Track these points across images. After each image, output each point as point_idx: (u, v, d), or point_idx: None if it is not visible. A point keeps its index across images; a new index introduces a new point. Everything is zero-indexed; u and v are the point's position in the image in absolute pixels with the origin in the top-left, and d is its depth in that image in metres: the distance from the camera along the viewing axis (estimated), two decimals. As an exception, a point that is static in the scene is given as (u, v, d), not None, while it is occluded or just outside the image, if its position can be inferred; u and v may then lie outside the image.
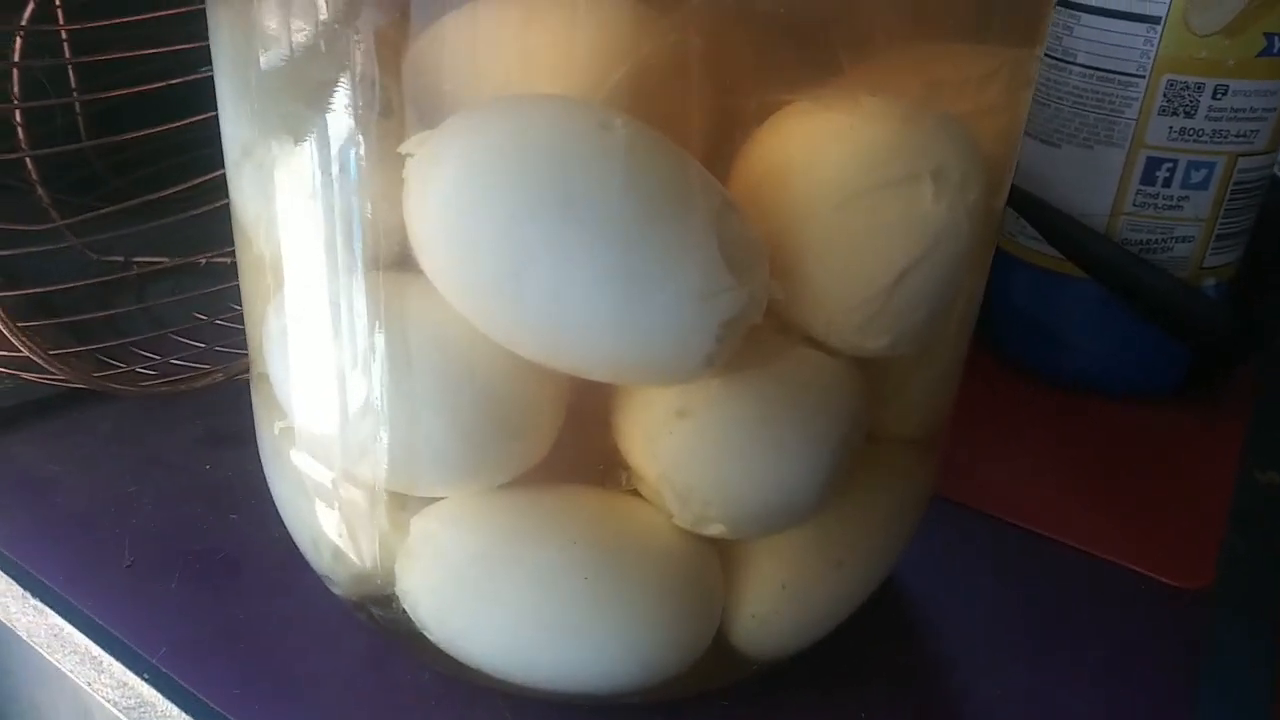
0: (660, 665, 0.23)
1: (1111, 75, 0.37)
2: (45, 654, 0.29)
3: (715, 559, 0.23)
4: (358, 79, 0.19)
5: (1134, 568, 0.32)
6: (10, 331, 0.29)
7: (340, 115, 0.19)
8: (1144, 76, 0.36)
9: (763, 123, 0.20)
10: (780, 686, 0.26)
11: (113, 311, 0.36)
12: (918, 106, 0.20)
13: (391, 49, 0.19)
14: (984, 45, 0.21)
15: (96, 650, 0.27)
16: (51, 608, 0.28)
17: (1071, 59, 0.37)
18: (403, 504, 0.22)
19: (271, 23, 0.19)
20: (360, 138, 0.19)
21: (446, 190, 0.18)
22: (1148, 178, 0.37)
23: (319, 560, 0.25)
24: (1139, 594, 0.31)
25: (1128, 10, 0.36)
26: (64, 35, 0.43)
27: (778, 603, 0.23)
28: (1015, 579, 0.32)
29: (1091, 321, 0.40)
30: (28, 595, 0.28)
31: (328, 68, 0.19)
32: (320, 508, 0.24)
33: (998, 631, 0.29)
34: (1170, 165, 0.37)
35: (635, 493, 0.22)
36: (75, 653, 0.28)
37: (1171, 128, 0.37)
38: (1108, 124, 0.37)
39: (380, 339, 0.21)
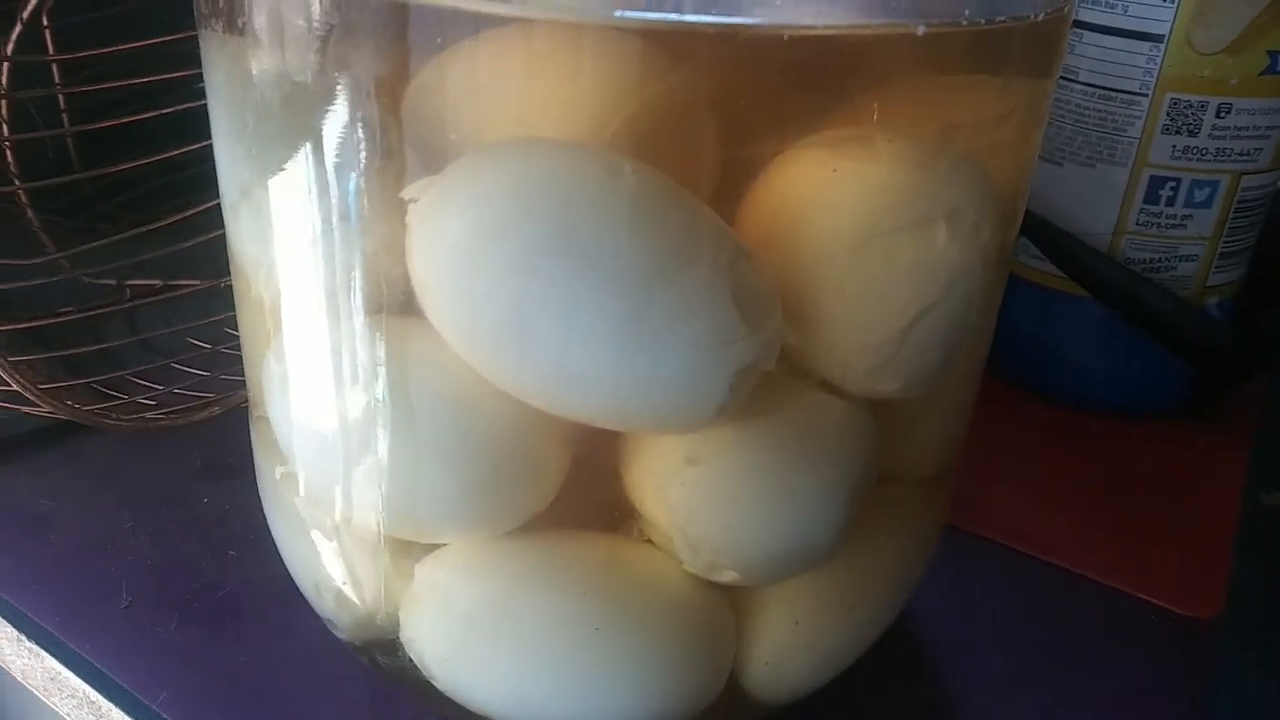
0: (670, 713, 0.22)
1: (1114, 94, 0.36)
2: (43, 698, 0.29)
3: (727, 605, 0.23)
4: (355, 124, 0.18)
5: (1144, 596, 0.32)
6: (2, 368, 0.28)
7: (338, 160, 0.19)
8: (1147, 95, 0.36)
9: (771, 166, 0.20)
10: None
11: (108, 345, 0.35)
12: (932, 148, 0.19)
13: (391, 92, 0.18)
14: (999, 79, 0.21)
15: (95, 695, 0.26)
16: (48, 651, 0.27)
17: (1074, 77, 0.37)
18: (407, 550, 0.22)
19: (267, 67, 0.19)
20: (360, 183, 0.19)
21: (450, 237, 0.18)
22: (1151, 196, 0.37)
23: (321, 604, 0.24)
24: (1149, 623, 0.31)
25: (1130, 29, 0.35)
26: (53, 62, 0.43)
27: (790, 649, 0.23)
28: (1022, 607, 0.31)
29: (1094, 341, 0.40)
30: (23, 638, 0.28)
31: (324, 113, 0.18)
32: (323, 552, 0.23)
33: (1005, 661, 0.29)
34: (1173, 184, 0.37)
35: (645, 539, 0.22)
36: (73, 697, 0.27)
37: (1175, 146, 0.36)
38: (1110, 142, 0.37)
39: (382, 386, 0.20)
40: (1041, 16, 0.19)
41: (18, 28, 0.40)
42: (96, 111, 0.40)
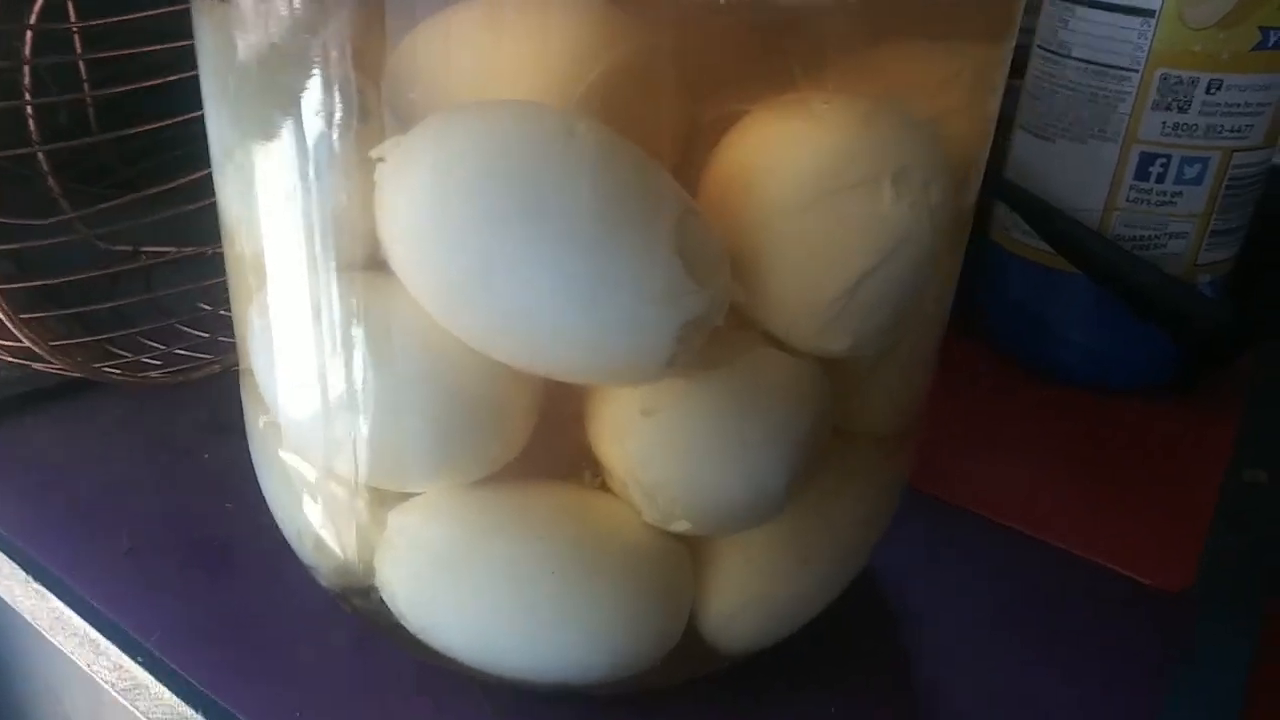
0: (629, 657, 0.23)
1: (1106, 69, 0.37)
2: (49, 636, 0.30)
3: (685, 555, 0.23)
4: (331, 86, 0.19)
5: (1115, 568, 0.32)
6: (13, 323, 0.30)
7: (314, 121, 0.20)
8: (1137, 70, 0.36)
9: (730, 129, 0.21)
10: (754, 679, 0.27)
11: (118, 303, 0.36)
12: (879, 110, 0.20)
13: (369, 55, 0.19)
14: (951, 43, 0.21)
15: (94, 634, 0.28)
16: (52, 592, 0.29)
17: (1066, 52, 0.37)
18: (381, 499, 0.23)
19: (247, 29, 0.20)
20: (335, 143, 0.20)
21: (415, 194, 0.19)
22: (1141, 173, 0.37)
23: (303, 551, 0.25)
24: (1119, 594, 0.31)
25: (1122, 3, 0.36)
26: (75, 29, 0.44)
27: (744, 600, 0.24)
28: (995, 577, 0.32)
29: (1084, 317, 0.40)
30: (30, 580, 0.29)
31: (300, 74, 0.19)
32: (303, 500, 0.24)
33: (974, 629, 0.30)
34: (1164, 160, 0.37)
35: (607, 489, 0.23)
36: (74, 635, 0.29)
37: (1165, 123, 0.36)
38: (1101, 118, 0.37)
39: (355, 339, 0.21)
40: (982, -15, 0.20)
41: (39, 2, 0.41)
42: (116, 81, 0.42)
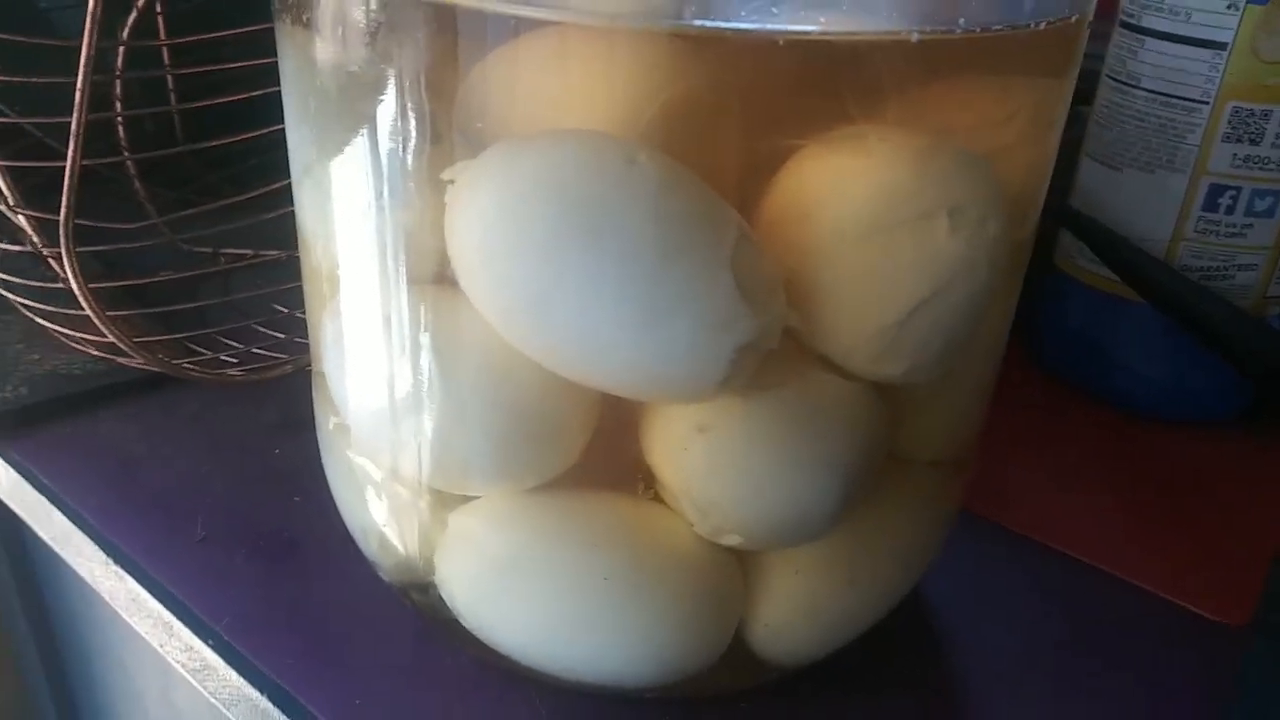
0: (677, 663, 0.24)
1: (1175, 100, 0.36)
2: (125, 616, 0.32)
3: (735, 567, 0.24)
4: (404, 110, 0.20)
5: (1173, 599, 0.32)
6: (100, 319, 0.31)
7: (388, 143, 0.21)
8: (1208, 103, 0.36)
9: (789, 160, 0.21)
10: (800, 692, 0.27)
11: (199, 304, 0.38)
12: (935, 146, 0.20)
13: (441, 82, 0.20)
14: (1010, 79, 0.22)
15: (168, 616, 0.29)
16: (130, 575, 0.30)
17: (1135, 83, 0.37)
18: (443, 500, 0.24)
19: (327, 54, 0.21)
20: (407, 165, 0.21)
21: (482, 216, 0.20)
22: (1210, 204, 0.37)
23: (367, 547, 0.27)
24: (1176, 626, 0.31)
25: (1193, 36, 0.35)
26: (164, 45, 0.46)
27: (790, 614, 0.24)
28: (1048, 603, 0.32)
29: (1149, 347, 0.40)
30: (110, 562, 0.31)
31: (376, 99, 0.20)
32: (368, 499, 0.26)
33: (1024, 655, 0.30)
34: (1233, 193, 0.37)
35: (660, 501, 0.24)
36: (149, 617, 0.30)
37: (1236, 155, 0.36)
38: (1170, 149, 0.37)
39: (422, 349, 0.22)
40: (1043, 25, 0.20)
41: (134, 14, 0.44)
42: (200, 94, 0.43)
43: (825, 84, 0.20)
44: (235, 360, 0.38)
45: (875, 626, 0.27)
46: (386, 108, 0.20)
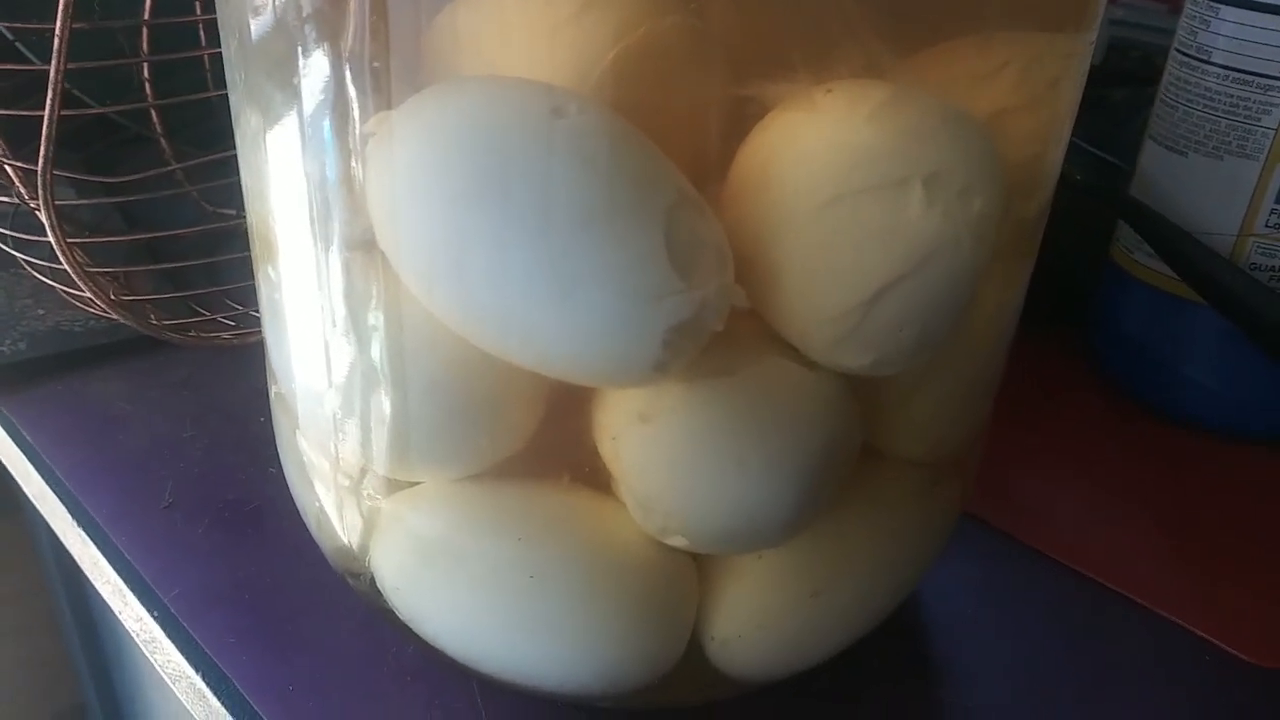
0: (618, 673, 0.22)
1: (1250, 77, 0.32)
2: (91, 579, 0.31)
3: (689, 571, 0.22)
4: (330, 60, 0.19)
5: (1206, 635, 0.28)
6: (77, 274, 0.31)
7: (312, 95, 0.19)
8: (1288, 81, 0.32)
9: (763, 119, 0.19)
10: (774, 711, 0.25)
11: (186, 264, 0.37)
12: (904, 98, 0.18)
13: (374, 28, 0.18)
14: (1013, 34, 0.19)
15: (122, 584, 0.28)
16: (92, 539, 0.30)
17: (1206, 57, 0.33)
18: (381, 484, 0.22)
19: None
20: (332, 119, 0.19)
21: (395, 171, 0.18)
22: (1285, 196, 0.33)
23: (307, 524, 0.25)
24: (1207, 665, 0.28)
25: (1275, 1, 0.31)
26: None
27: (744, 626, 0.22)
28: (1070, 633, 0.29)
29: (1209, 353, 0.36)
30: (75, 524, 0.30)
31: (299, 45, 0.19)
32: (307, 476, 0.24)
33: (1034, 692, 0.27)
34: (1313, 184, 0.33)
35: (615, 496, 0.21)
36: (108, 584, 0.29)
37: (1318, 141, 0.32)
38: (1242, 133, 0.33)
39: (353, 320, 0.20)
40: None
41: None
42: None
43: (806, 34, 0.17)
44: (232, 323, 0.37)
45: (862, 643, 0.24)
46: (305, 52, 0.18)
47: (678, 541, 0.21)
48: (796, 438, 0.19)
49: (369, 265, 0.20)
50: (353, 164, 0.19)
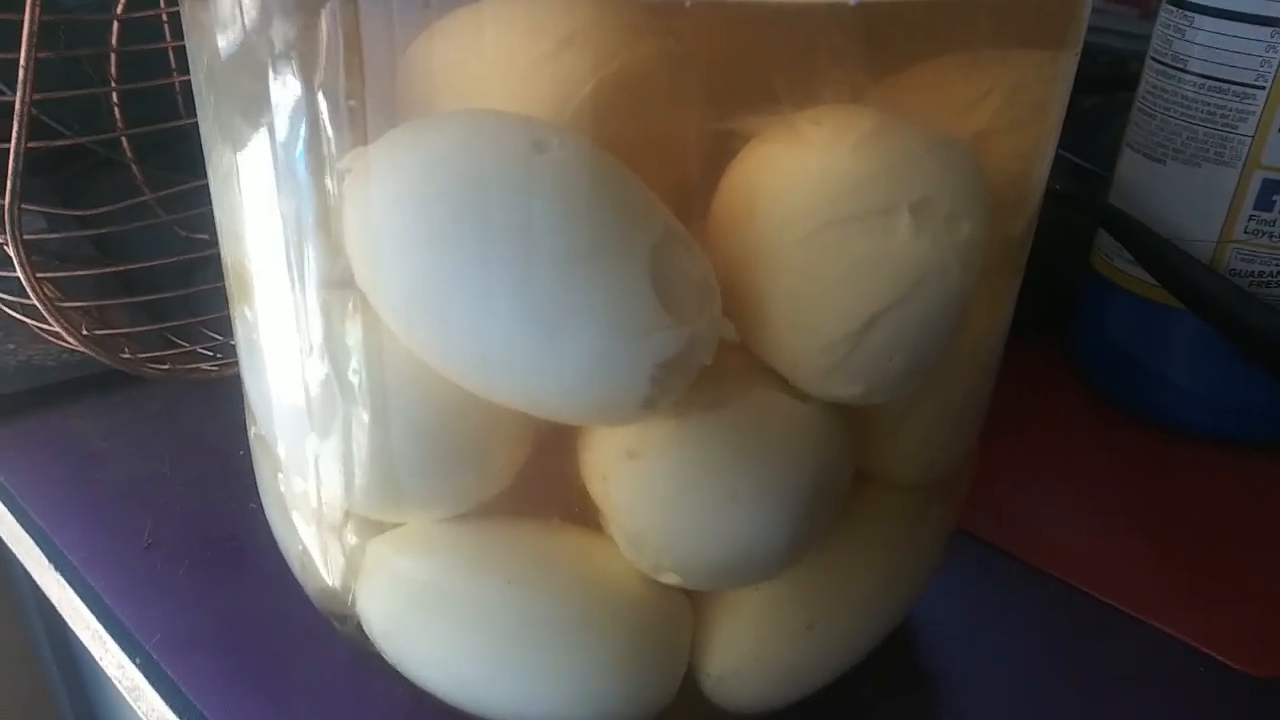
0: (615, 712, 0.21)
1: (1226, 85, 0.33)
2: (70, 624, 0.30)
3: (683, 606, 0.21)
4: (304, 97, 0.18)
5: (1198, 646, 0.28)
6: (47, 309, 0.30)
7: (286, 130, 0.18)
8: (1264, 87, 0.32)
9: (744, 149, 0.18)
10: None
11: (166, 296, 0.36)
12: (889, 127, 0.17)
13: (349, 63, 0.18)
14: (999, 55, 0.19)
15: (102, 630, 0.28)
16: (69, 582, 0.29)
17: (1182, 66, 0.34)
18: (366, 525, 0.22)
19: (219, 26, 0.19)
20: (307, 155, 0.19)
21: (373, 209, 0.17)
22: (1263, 202, 0.33)
23: (291, 566, 0.25)
24: (1201, 676, 0.28)
25: (1248, 11, 0.32)
26: (164, 17, 0.45)
27: (741, 660, 0.21)
28: (1061, 648, 0.29)
29: (1191, 359, 0.36)
30: (51, 568, 0.30)
31: (273, 79, 0.18)
32: (290, 516, 0.23)
33: (1026, 706, 0.27)
34: (1291, 189, 0.33)
35: (604, 533, 0.21)
36: (88, 629, 0.29)
37: (1294, 147, 0.32)
38: (1219, 140, 0.33)
39: (331, 360, 0.20)
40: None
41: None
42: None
43: (785, 60, 0.17)
44: (210, 354, 0.37)
45: (857, 668, 0.24)
46: (279, 88, 0.18)
47: (670, 578, 0.20)
48: (789, 469, 0.19)
49: (348, 305, 0.20)
50: (329, 202, 0.19)
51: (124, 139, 0.45)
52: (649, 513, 0.20)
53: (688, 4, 0.16)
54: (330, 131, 0.18)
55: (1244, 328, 0.33)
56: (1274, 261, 0.34)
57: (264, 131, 0.19)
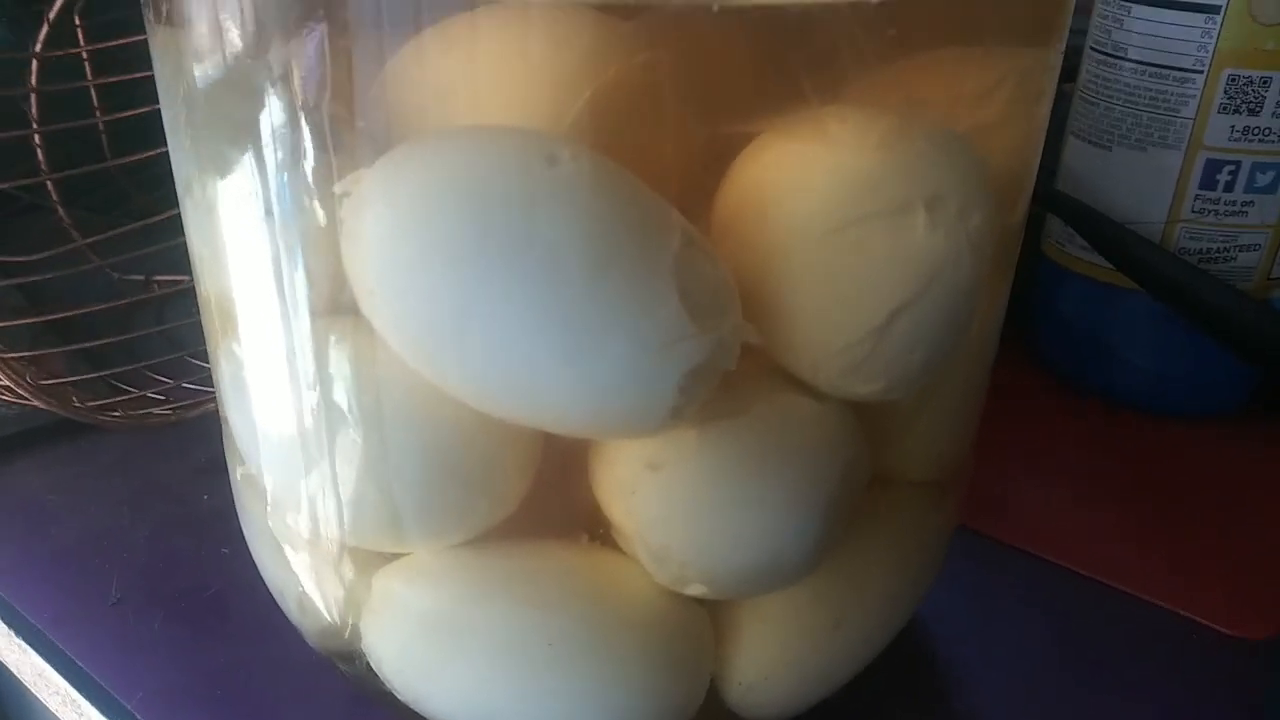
0: (641, 731, 0.21)
1: (1166, 71, 0.34)
2: (34, 692, 0.29)
3: (704, 619, 0.21)
4: (290, 116, 0.17)
5: (1186, 613, 0.29)
6: (-5, 362, 0.28)
7: (275, 155, 0.18)
8: (1202, 71, 0.33)
9: (744, 150, 0.18)
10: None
11: (118, 338, 0.35)
12: (906, 125, 0.17)
13: (337, 81, 0.17)
14: (991, 50, 0.19)
15: (75, 694, 0.26)
16: (34, 648, 0.27)
17: (1122, 54, 0.35)
18: (368, 558, 0.21)
19: (196, 54, 0.18)
20: (296, 180, 0.18)
21: (381, 232, 0.17)
22: (1207, 181, 0.34)
23: (288, 609, 0.23)
24: (1192, 643, 0.28)
25: (1184, 0, 0.33)
26: (85, 56, 0.43)
27: (770, 667, 0.21)
28: (1055, 625, 0.29)
29: (1146, 337, 0.37)
30: (12, 634, 0.28)
31: (255, 106, 0.17)
32: (284, 557, 0.22)
33: (1032, 683, 0.27)
34: (1232, 168, 0.34)
35: (616, 548, 0.20)
36: (57, 694, 0.27)
37: (1234, 127, 0.33)
38: (1163, 124, 0.34)
39: (328, 391, 0.19)
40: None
41: (45, 28, 0.40)
42: (127, 108, 0.40)
43: (778, 60, 0.17)
44: (163, 397, 0.35)
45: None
46: (268, 113, 0.17)
47: (695, 589, 0.20)
48: (812, 471, 0.19)
49: (345, 331, 0.19)
50: (326, 228, 0.18)
51: (49, 183, 0.43)
52: (673, 525, 0.19)
53: (715, 8, 0.16)
54: (328, 155, 0.17)
55: (1197, 302, 0.35)
56: (1220, 238, 0.35)
57: (253, 158, 0.18)
